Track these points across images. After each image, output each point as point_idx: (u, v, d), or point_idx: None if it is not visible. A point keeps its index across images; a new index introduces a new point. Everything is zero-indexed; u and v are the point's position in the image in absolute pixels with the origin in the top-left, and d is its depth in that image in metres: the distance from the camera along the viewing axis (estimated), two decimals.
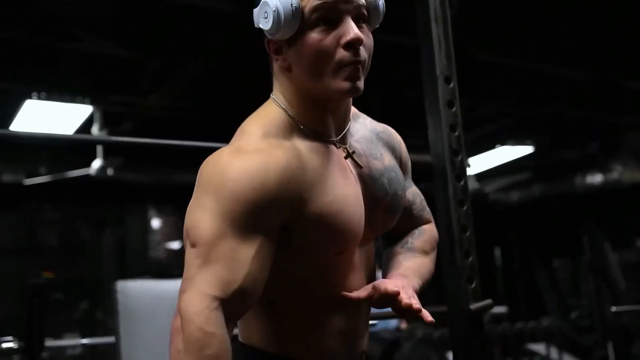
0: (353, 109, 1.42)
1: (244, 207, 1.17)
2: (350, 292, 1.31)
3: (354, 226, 1.30)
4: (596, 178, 8.28)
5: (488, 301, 1.79)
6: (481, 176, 9.01)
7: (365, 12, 1.27)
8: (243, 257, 1.16)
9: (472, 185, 8.50)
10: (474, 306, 1.76)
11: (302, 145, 1.28)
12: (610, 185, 8.19)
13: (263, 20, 1.27)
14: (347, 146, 1.35)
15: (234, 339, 1.38)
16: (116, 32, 5.08)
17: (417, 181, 1.58)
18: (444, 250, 1.78)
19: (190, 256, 1.19)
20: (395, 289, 1.26)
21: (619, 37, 5.56)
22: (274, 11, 1.23)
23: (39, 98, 5.58)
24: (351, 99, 1.36)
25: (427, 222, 1.56)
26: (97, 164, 6.79)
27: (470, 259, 1.79)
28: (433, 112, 1.87)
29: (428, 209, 1.58)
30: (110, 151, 6.88)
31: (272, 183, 1.19)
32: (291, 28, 1.24)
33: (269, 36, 1.28)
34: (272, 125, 1.29)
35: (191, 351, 1.10)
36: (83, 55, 5.35)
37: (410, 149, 1.57)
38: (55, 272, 7.96)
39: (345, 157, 1.34)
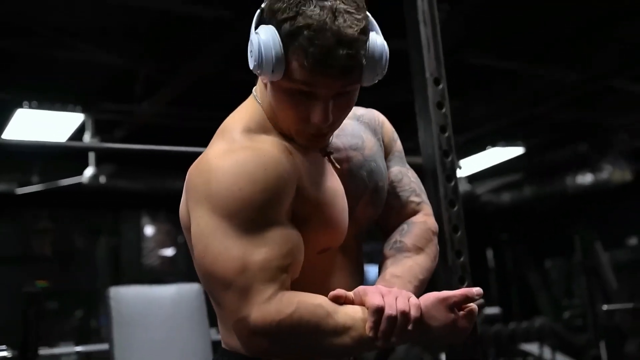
0: None
1: (255, 210, 1.14)
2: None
3: (343, 220, 1.28)
4: (586, 178, 8.30)
5: (480, 301, 1.79)
6: (473, 178, 9.02)
7: (355, 79, 1.20)
8: (273, 252, 1.14)
9: (464, 187, 8.50)
10: None
11: (284, 142, 1.27)
12: (600, 185, 8.21)
13: (249, 54, 1.20)
14: (327, 146, 1.34)
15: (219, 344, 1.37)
16: (107, 41, 5.07)
17: None
18: None
19: (231, 298, 1.14)
20: (377, 303, 1.12)
21: (607, 39, 5.58)
22: (258, 56, 1.16)
23: (31, 107, 5.56)
24: None
25: (415, 211, 1.45)
26: (89, 172, 6.78)
27: (462, 259, 1.79)
28: (423, 114, 1.87)
29: (420, 192, 1.49)
30: (103, 159, 6.86)
31: (273, 179, 1.16)
32: (272, 77, 1.18)
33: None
34: (254, 121, 1.27)
35: (298, 328, 1.12)
36: (74, 63, 5.33)
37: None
38: (50, 281, 7.94)
39: (324, 156, 1.33)
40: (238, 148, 1.21)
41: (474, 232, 2.11)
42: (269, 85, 1.23)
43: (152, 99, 5.92)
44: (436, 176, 1.82)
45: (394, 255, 1.37)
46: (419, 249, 1.38)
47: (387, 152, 1.48)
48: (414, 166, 1.99)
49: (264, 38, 1.15)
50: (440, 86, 1.87)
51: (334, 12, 1.13)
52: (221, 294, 1.16)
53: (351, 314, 1.15)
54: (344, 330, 1.13)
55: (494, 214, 9.78)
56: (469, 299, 1.17)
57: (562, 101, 7.02)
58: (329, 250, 1.29)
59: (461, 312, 1.17)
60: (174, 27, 4.92)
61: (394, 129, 1.52)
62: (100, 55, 5.15)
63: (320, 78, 1.14)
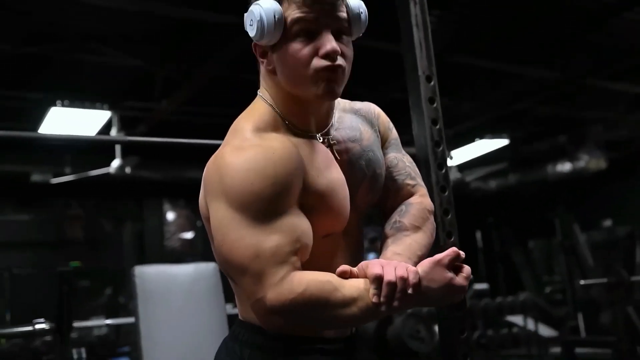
0: None
1: (267, 202, 1.15)
2: None
3: (345, 207, 1.28)
4: (565, 167, 8.28)
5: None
6: (462, 167, 9.01)
7: (346, 24, 1.25)
8: (284, 239, 1.15)
9: (455, 175, 8.49)
10: None
11: (291, 138, 1.26)
12: (577, 173, 8.20)
13: (249, 27, 1.25)
14: (330, 137, 1.33)
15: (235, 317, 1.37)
16: (131, 46, 5.07)
17: None
18: None
19: (248, 282, 1.14)
20: (377, 272, 1.13)
21: (583, 42, 5.57)
22: (258, 20, 1.21)
23: (63, 105, 5.58)
24: None
25: (411, 193, 1.44)
26: (116, 163, 6.80)
27: (452, 239, 1.78)
28: (416, 108, 1.86)
29: (415, 175, 1.47)
30: (128, 152, 6.88)
31: (282, 173, 1.16)
32: (274, 37, 1.22)
33: (254, 41, 1.27)
34: (262, 121, 1.27)
35: (310, 303, 1.12)
36: (101, 66, 5.35)
37: None
38: (81, 262, 7.98)
39: (327, 147, 1.32)
40: (249, 146, 1.20)
41: (463, 216, 2.11)
42: (273, 58, 1.26)
43: (171, 97, 5.93)
44: (429, 165, 1.81)
45: (394, 235, 1.36)
46: (416, 228, 1.37)
47: (384, 141, 1.47)
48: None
49: (264, 4, 1.22)
50: (432, 83, 1.86)
51: None
52: (239, 278, 1.16)
53: (356, 286, 1.15)
54: (352, 301, 1.13)
55: (482, 199, 9.77)
56: (459, 255, 1.17)
57: (542, 98, 7.01)
58: (333, 234, 1.29)
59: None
60: (190, 34, 4.92)
61: (389, 120, 1.51)
62: (124, 59, 5.16)
63: (318, 6, 1.20)
